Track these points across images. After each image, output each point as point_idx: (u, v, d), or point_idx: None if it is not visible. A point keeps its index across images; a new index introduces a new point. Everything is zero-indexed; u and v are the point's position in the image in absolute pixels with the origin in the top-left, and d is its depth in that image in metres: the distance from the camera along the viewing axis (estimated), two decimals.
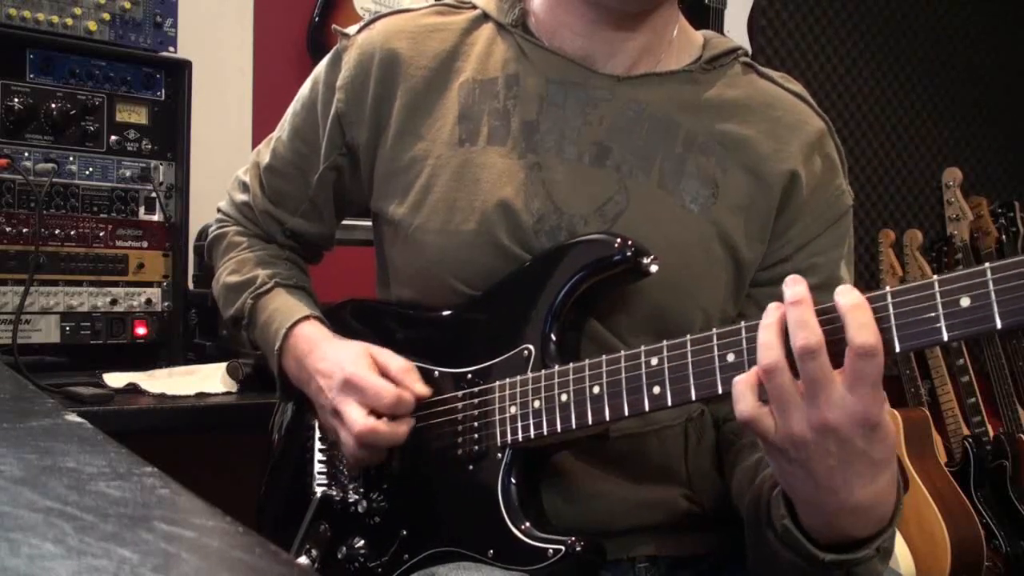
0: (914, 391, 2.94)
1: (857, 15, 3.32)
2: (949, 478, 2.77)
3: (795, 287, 0.76)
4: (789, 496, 0.82)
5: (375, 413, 0.99)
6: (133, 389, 1.47)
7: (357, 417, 0.98)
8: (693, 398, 0.83)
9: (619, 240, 0.94)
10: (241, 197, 1.25)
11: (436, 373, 1.03)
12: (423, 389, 1.00)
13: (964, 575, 2.62)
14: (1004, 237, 3.20)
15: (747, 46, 2.89)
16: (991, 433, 2.88)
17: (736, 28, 2.86)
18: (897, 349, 0.73)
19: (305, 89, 1.18)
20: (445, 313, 1.05)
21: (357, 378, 0.99)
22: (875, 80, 3.37)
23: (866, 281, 3.16)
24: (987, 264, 0.69)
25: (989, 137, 3.64)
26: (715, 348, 0.82)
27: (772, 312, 0.77)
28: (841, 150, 1.10)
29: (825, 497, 0.77)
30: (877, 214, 3.36)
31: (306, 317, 1.11)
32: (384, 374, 1.01)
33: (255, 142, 2.34)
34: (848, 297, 0.74)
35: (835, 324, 0.74)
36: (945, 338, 0.71)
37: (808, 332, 0.74)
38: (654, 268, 0.94)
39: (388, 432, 0.98)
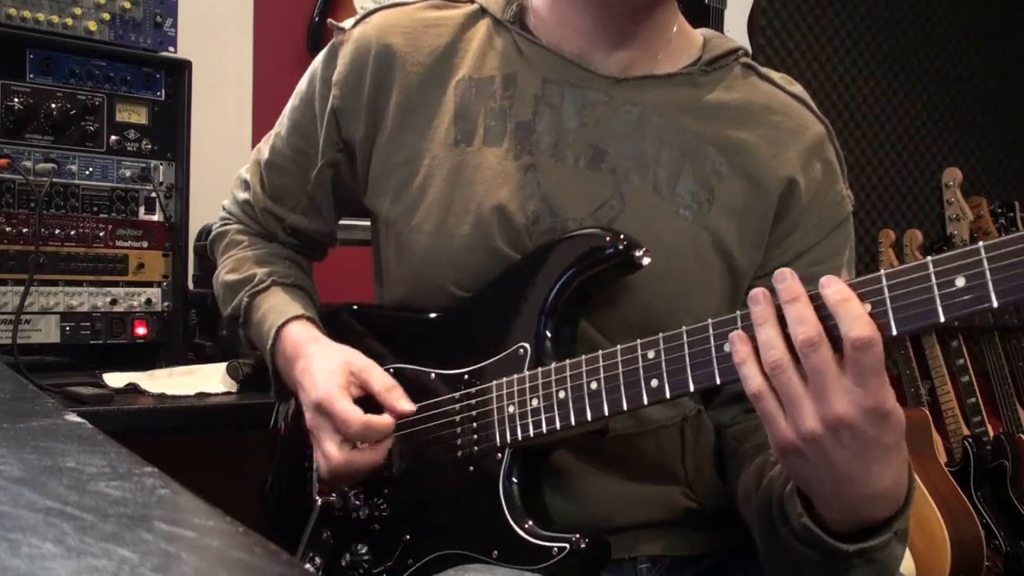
0: (914, 391, 2.94)
1: (857, 15, 3.32)
2: (949, 478, 2.76)
3: (787, 282, 0.75)
4: (805, 492, 0.82)
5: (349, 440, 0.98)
6: (133, 389, 1.47)
7: (330, 450, 0.98)
8: (691, 389, 0.83)
9: (610, 234, 0.94)
10: (242, 195, 1.24)
11: (432, 375, 1.02)
12: (407, 407, 0.98)
13: (964, 575, 2.62)
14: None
15: (747, 46, 2.89)
16: (991, 433, 2.87)
17: (736, 28, 2.86)
18: (894, 332, 0.72)
19: (302, 84, 1.17)
20: (440, 315, 1.05)
21: (327, 402, 0.98)
22: (875, 80, 3.37)
23: None
24: (980, 243, 0.68)
25: (989, 137, 3.63)
26: (712, 339, 0.81)
27: (765, 308, 0.76)
28: (841, 155, 1.09)
29: (844, 488, 0.77)
30: (877, 214, 3.36)
31: (297, 316, 1.10)
32: (367, 390, 1.00)
33: (255, 142, 2.34)
34: (833, 289, 0.73)
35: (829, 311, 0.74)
36: (942, 319, 0.70)
37: (807, 327, 0.73)
38: (646, 260, 0.93)
39: (361, 462, 0.98)
